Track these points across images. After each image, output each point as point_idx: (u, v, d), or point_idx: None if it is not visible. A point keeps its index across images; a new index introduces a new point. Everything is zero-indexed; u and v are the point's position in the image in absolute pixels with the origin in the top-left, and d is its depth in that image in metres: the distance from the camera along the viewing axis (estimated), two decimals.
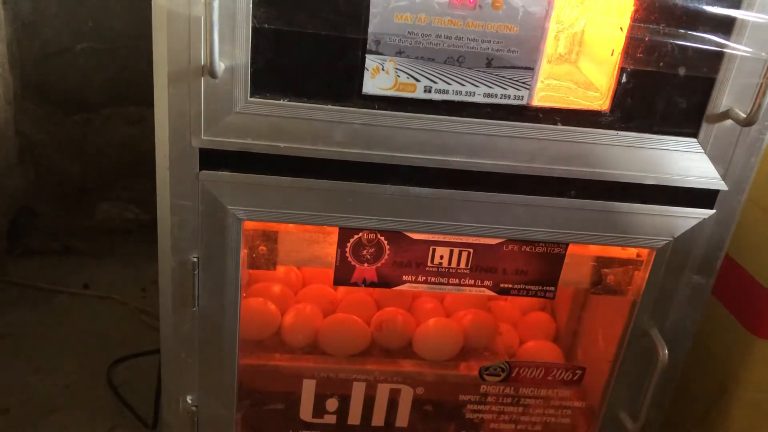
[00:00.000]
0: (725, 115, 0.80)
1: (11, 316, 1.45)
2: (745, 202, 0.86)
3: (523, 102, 0.78)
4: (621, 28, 0.76)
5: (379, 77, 0.75)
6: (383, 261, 0.88)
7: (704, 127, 0.81)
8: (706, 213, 0.86)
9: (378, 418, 1.02)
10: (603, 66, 0.81)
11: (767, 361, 1.03)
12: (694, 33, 0.75)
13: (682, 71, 0.78)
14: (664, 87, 0.79)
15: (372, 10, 0.72)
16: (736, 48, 0.76)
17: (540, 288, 0.92)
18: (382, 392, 1.00)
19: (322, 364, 1.03)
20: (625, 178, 0.83)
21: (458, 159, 0.80)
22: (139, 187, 1.66)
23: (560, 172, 0.82)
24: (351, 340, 1.06)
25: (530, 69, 0.76)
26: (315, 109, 0.76)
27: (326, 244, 0.88)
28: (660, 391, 0.94)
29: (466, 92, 0.77)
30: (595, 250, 0.93)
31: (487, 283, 0.91)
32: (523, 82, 0.77)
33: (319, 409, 1.01)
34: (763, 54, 0.76)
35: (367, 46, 0.74)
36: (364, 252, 0.87)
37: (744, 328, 1.04)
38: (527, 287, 0.92)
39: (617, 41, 0.77)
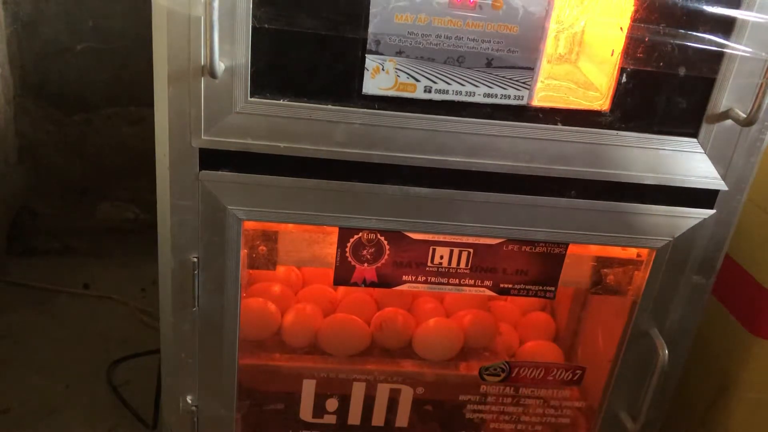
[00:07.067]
0: (725, 115, 0.80)
1: (11, 316, 1.45)
2: (745, 202, 0.86)
3: (523, 102, 0.78)
4: (621, 28, 0.76)
5: (379, 77, 0.75)
6: (383, 261, 0.88)
7: (704, 127, 0.81)
8: (706, 213, 0.86)
9: (378, 418, 1.02)
10: (603, 66, 0.81)
11: (767, 361, 1.03)
12: (694, 33, 0.75)
13: (682, 71, 0.78)
14: (664, 87, 0.79)
15: (372, 10, 0.72)
16: (736, 48, 0.76)
17: (540, 288, 0.92)
18: (382, 392, 1.00)
19: (322, 364, 1.03)
20: (625, 178, 0.83)
21: (458, 159, 0.80)
22: (139, 187, 1.66)
23: (560, 172, 0.82)
24: (351, 340, 1.06)
25: (530, 69, 0.76)
26: (315, 109, 0.76)
27: (326, 244, 0.88)
28: (660, 391, 0.94)
29: (466, 92, 0.77)
30: (595, 250, 0.93)
31: (487, 283, 0.91)
32: (523, 82, 0.77)
33: (319, 409, 1.01)
34: (763, 54, 0.76)
35: (367, 46, 0.74)
36: (364, 252, 0.87)
37: (744, 328, 1.04)
38: (527, 287, 0.92)
39: (617, 41, 0.77)
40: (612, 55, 0.78)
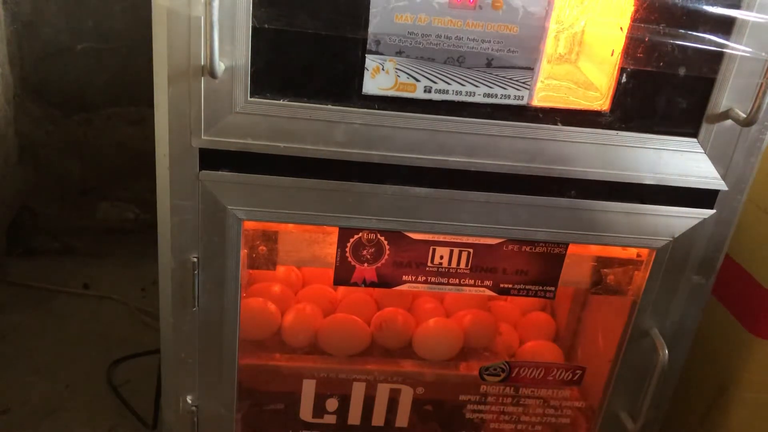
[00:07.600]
0: (725, 115, 0.80)
1: (11, 316, 1.45)
2: (745, 202, 0.86)
3: (523, 102, 0.78)
4: (621, 28, 0.76)
5: (379, 77, 0.75)
6: (383, 261, 0.88)
7: (704, 127, 0.81)
8: (706, 213, 0.86)
9: (378, 418, 1.02)
10: (603, 66, 0.81)
11: (767, 361, 1.03)
12: (694, 33, 0.75)
13: (682, 71, 0.78)
14: (664, 87, 0.79)
15: (372, 10, 0.72)
16: (736, 48, 0.76)
17: (540, 288, 0.92)
18: (382, 392, 1.00)
19: (322, 364, 1.03)
20: (624, 178, 0.83)
21: (458, 159, 0.80)
22: (139, 187, 1.66)
23: (560, 172, 0.82)
24: (351, 340, 1.06)
25: (530, 69, 0.76)
26: (315, 109, 0.76)
27: (326, 244, 0.88)
28: (660, 391, 0.94)
29: (466, 92, 0.77)
30: (595, 250, 0.93)
31: (487, 283, 0.91)
32: (523, 82, 0.77)
33: (319, 409, 1.01)
34: (763, 54, 0.76)
35: (367, 46, 0.74)
36: (364, 252, 0.87)
37: (744, 328, 1.04)
38: (527, 287, 0.92)
39: (617, 41, 0.77)
40: (612, 55, 0.78)
